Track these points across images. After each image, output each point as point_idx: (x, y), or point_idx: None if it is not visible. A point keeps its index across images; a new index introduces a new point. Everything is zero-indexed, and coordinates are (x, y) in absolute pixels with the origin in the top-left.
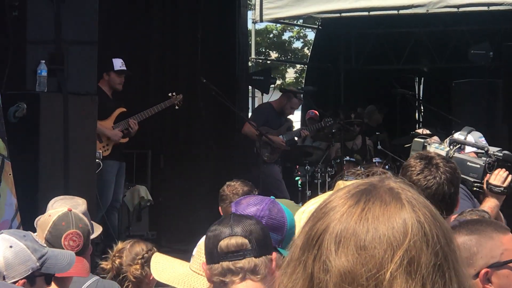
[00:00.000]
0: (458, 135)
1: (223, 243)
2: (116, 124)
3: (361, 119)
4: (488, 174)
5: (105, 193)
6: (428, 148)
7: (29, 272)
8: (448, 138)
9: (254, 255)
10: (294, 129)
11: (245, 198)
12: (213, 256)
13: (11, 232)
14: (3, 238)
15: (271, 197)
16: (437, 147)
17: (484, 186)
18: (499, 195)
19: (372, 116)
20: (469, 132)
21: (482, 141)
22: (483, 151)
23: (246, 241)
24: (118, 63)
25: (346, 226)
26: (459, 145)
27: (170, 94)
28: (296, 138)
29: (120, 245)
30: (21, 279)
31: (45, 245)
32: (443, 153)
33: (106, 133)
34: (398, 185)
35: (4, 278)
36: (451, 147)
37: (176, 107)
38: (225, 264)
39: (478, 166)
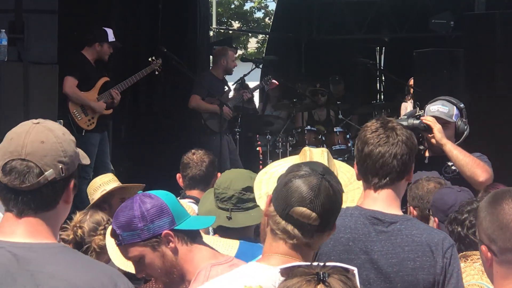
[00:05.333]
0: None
1: (298, 210)
2: (99, 96)
3: (325, 90)
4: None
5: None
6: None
7: None
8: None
9: (315, 231)
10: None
11: (116, 212)
12: (283, 210)
13: None
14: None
15: (138, 192)
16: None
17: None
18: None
19: (335, 86)
20: (432, 102)
21: (439, 109)
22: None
23: (319, 220)
24: (111, 34)
25: None
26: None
27: (150, 59)
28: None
29: (78, 215)
30: None
31: None
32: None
33: (91, 105)
34: None
35: None
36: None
37: (156, 73)
38: (289, 227)
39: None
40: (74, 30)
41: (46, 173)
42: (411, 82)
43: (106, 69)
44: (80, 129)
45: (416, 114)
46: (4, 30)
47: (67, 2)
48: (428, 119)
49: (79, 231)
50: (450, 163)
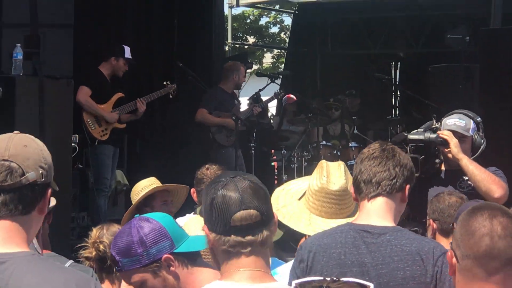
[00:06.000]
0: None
1: (237, 216)
2: (114, 109)
3: (339, 104)
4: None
5: (103, 177)
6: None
7: None
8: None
9: (264, 227)
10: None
11: (114, 237)
12: (224, 226)
13: None
14: None
15: (135, 215)
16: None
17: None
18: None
19: (351, 100)
20: (449, 115)
21: (456, 122)
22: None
23: (259, 214)
24: (128, 51)
25: None
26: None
27: (165, 83)
28: (271, 121)
29: (95, 231)
30: None
31: None
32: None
33: (103, 114)
34: None
35: None
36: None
37: (170, 96)
38: (237, 238)
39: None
40: (89, 45)
41: (27, 174)
42: None
43: (121, 86)
44: (93, 139)
45: (433, 127)
46: (19, 45)
47: (82, 17)
48: (445, 133)
49: (101, 246)
50: (466, 178)
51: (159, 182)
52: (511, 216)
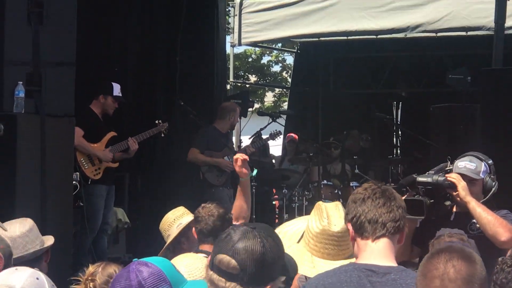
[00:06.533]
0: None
1: (218, 257)
2: (114, 146)
3: (339, 143)
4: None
5: (95, 217)
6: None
7: None
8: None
9: (241, 284)
10: (270, 153)
11: (112, 281)
12: (212, 259)
13: None
14: None
15: (133, 259)
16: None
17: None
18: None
19: (351, 140)
20: (461, 158)
21: (466, 165)
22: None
23: (239, 269)
24: (117, 89)
25: None
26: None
27: (156, 122)
28: (272, 160)
29: (91, 268)
30: None
31: None
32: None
33: (97, 154)
34: None
35: None
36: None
37: (162, 135)
38: (214, 276)
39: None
40: (89, 83)
41: None
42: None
43: (113, 124)
44: (86, 178)
45: (447, 169)
46: (21, 83)
47: (84, 55)
48: (452, 177)
49: (91, 284)
50: (475, 220)
51: (189, 211)
52: (472, 261)
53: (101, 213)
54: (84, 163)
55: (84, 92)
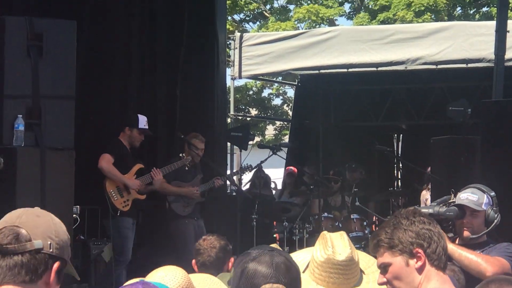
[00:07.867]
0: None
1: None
2: (140, 178)
3: (339, 176)
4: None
5: (126, 248)
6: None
7: None
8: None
9: None
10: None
11: None
12: None
13: None
14: None
15: (140, 279)
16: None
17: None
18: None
19: (350, 173)
20: (464, 189)
21: (469, 197)
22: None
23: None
24: (143, 121)
25: None
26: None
27: (180, 155)
28: (273, 192)
29: None
30: None
31: None
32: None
33: (126, 181)
34: None
35: None
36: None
37: (186, 168)
38: None
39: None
40: (91, 116)
41: (34, 241)
42: (429, 170)
43: (140, 157)
44: (115, 209)
45: (450, 201)
46: (21, 116)
47: (84, 87)
48: None
49: None
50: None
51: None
52: None
53: (131, 244)
54: (114, 194)
55: (89, 124)
